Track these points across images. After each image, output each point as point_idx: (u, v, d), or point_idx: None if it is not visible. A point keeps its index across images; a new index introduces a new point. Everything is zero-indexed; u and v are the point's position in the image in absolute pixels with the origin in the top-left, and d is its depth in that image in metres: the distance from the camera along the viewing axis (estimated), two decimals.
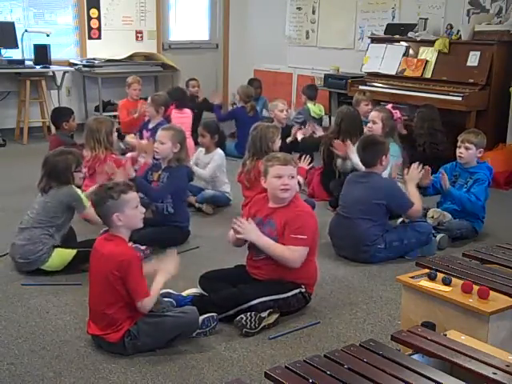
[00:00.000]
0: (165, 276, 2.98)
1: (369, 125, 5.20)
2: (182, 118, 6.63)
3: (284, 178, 3.31)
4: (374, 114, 5.24)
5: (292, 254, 3.24)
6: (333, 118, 6.99)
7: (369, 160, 4.20)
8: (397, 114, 5.18)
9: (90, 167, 4.80)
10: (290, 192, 3.34)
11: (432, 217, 4.47)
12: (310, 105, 7.19)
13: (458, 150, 4.60)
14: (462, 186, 4.60)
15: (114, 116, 7.23)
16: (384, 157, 4.16)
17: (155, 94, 6.42)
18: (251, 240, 3.29)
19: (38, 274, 3.75)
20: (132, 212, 2.95)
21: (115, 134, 5.04)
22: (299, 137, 5.75)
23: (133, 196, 2.98)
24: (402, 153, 5.15)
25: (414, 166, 4.31)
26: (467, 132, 4.72)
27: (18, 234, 3.83)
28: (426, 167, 4.41)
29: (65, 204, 3.81)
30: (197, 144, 5.73)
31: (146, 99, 7.61)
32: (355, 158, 4.78)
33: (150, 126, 6.11)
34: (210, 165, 5.16)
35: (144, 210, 3.08)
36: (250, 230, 3.27)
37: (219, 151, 5.27)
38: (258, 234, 3.27)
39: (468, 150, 4.54)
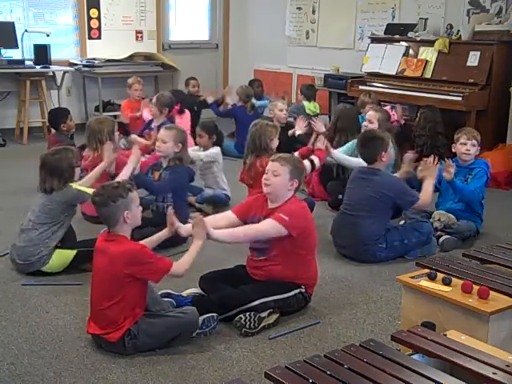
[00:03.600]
0: (199, 239, 3.05)
1: (364, 123, 5.12)
2: (181, 119, 6.62)
3: (268, 173, 3.32)
4: (371, 114, 5.16)
5: (262, 224, 3.22)
6: None
7: (369, 156, 4.18)
8: (394, 116, 5.12)
9: (92, 167, 4.70)
10: (271, 188, 3.30)
11: (439, 220, 4.44)
12: (305, 102, 7.27)
13: (463, 148, 4.51)
14: (461, 183, 4.58)
15: (114, 116, 7.22)
16: (384, 152, 4.13)
17: (161, 94, 6.25)
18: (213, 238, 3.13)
19: (38, 274, 3.75)
20: (137, 210, 3.02)
21: (117, 133, 4.97)
22: (297, 132, 5.54)
23: (136, 194, 3.04)
24: (396, 155, 5.05)
25: (430, 160, 4.25)
26: (464, 130, 4.65)
27: (19, 236, 3.82)
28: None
29: (66, 204, 3.79)
30: (196, 144, 5.72)
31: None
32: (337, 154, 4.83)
33: (153, 125, 6.00)
34: (208, 152, 5.11)
35: (141, 208, 3.11)
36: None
37: (216, 148, 5.26)
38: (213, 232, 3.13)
39: (474, 147, 4.52)
